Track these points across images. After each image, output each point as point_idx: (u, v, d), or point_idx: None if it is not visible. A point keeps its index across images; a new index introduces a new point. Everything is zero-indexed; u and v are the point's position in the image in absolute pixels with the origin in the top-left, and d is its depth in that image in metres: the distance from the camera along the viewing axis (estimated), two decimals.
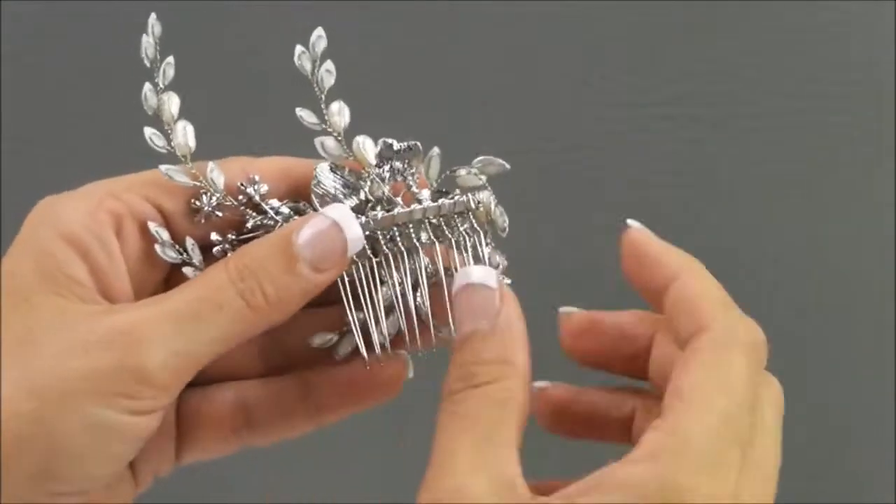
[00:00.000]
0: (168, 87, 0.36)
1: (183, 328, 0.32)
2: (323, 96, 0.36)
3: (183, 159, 0.35)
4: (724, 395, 0.30)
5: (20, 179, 0.65)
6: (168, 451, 0.36)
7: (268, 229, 0.36)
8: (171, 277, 0.36)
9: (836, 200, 0.69)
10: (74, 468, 0.31)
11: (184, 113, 0.36)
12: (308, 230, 0.34)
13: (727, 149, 0.68)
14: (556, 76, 0.66)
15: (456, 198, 0.36)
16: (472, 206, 0.36)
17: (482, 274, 0.33)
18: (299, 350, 0.37)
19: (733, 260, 0.68)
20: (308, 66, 0.36)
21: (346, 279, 0.36)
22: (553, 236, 0.67)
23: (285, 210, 0.36)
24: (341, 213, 0.34)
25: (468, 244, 0.36)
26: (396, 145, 0.36)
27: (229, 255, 0.35)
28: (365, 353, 0.36)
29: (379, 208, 0.36)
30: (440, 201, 0.36)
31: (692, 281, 0.33)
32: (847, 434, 0.72)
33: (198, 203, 0.35)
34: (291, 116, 0.36)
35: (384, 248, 0.36)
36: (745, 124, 0.67)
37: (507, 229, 0.37)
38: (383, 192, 0.36)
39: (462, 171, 0.37)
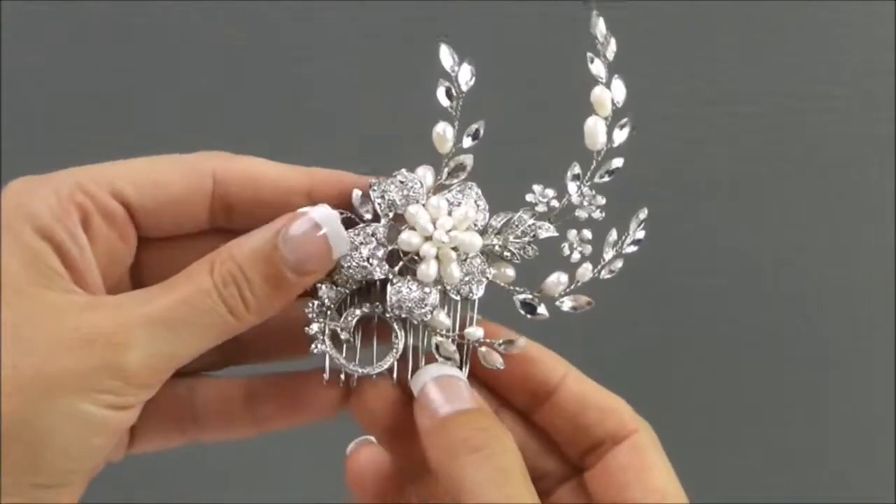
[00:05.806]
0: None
1: (164, 333, 0.32)
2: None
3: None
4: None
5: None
6: (124, 439, 0.37)
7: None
8: (136, 268, 0.36)
9: (836, 200, 0.69)
10: (57, 461, 0.32)
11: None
12: (292, 232, 0.33)
13: (727, 149, 0.68)
14: (556, 76, 0.66)
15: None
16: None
17: (449, 369, 0.37)
18: (247, 345, 0.38)
19: (733, 260, 0.68)
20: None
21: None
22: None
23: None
24: (324, 214, 0.34)
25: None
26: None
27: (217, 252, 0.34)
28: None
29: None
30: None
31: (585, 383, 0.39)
32: (847, 434, 0.72)
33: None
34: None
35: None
36: (745, 124, 0.67)
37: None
38: None
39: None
